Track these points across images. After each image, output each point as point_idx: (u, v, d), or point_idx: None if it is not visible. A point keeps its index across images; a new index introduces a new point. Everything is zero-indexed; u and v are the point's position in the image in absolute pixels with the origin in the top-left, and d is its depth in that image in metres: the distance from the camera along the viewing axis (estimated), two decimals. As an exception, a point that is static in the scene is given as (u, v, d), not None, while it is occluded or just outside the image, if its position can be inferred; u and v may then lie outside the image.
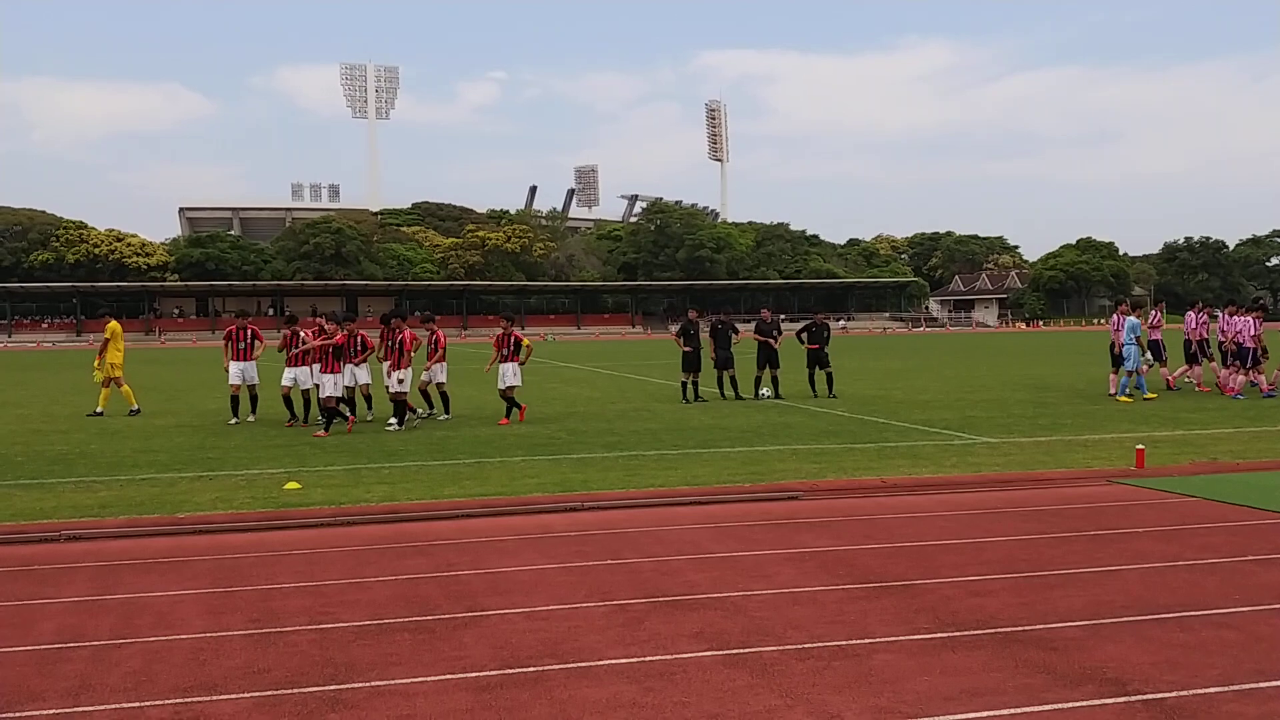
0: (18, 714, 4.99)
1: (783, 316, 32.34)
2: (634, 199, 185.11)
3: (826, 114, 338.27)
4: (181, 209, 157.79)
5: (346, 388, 17.32)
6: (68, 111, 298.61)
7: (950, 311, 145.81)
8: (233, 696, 5.19)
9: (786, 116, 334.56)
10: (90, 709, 5.05)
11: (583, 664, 5.61)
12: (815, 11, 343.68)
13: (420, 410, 18.33)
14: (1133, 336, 20.73)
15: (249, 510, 10.17)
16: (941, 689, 5.16)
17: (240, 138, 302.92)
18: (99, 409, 20.23)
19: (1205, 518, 9.39)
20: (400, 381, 17.14)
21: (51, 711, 5.03)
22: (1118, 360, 21.13)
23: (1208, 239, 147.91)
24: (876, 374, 31.85)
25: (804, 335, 22.89)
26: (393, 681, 5.37)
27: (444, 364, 19.18)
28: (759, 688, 5.21)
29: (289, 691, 5.24)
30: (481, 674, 5.47)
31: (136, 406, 20.52)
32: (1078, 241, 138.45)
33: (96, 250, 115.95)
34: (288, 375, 18.37)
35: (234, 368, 18.93)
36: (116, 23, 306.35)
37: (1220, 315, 22.48)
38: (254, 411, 18.93)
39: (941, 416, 18.30)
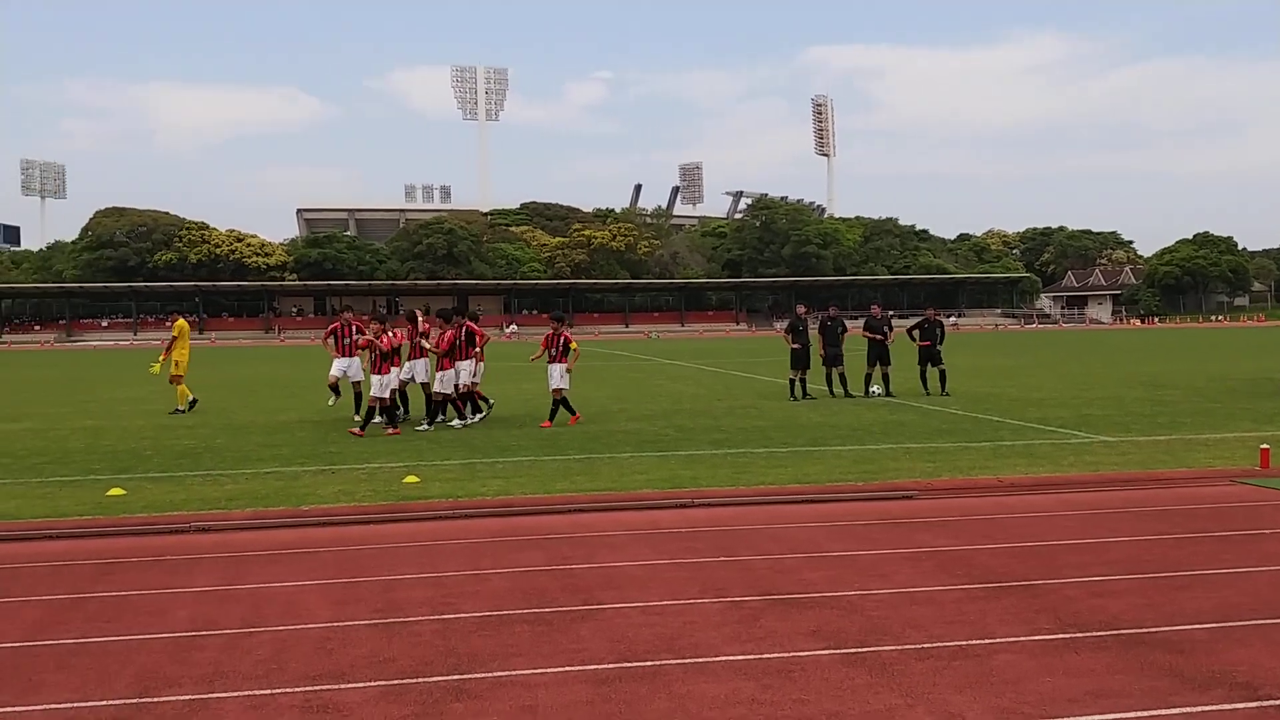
0: (156, 699, 5.20)
1: (891, 313, 31.85)
2: (739, 195, 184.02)
3: (935, 108, 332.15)
4: (299, 210, 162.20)
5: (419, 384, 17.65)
6: (189, 115, 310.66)
7: (1063, 308, 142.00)
8: (360, 685, 5.33)
9: (894, 111, 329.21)
10: (224, 695, 5.24)
11: (699, 659, 5.63)
12: (923, 5, 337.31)
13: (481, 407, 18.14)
14: None
15: (370, 503, 10.44)
16: (1065, 690, 5.07)
17: (355, 140, 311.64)
18: (180, 406, 20.67)
19: (1344, 521, 9.01)
20: (448, 380, 17.17)
21: (188, 697, 5.23)
22: None
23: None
24: (989, 371, 31.23)
25: (915, 332, 22.57)
26: (514, 673, 5.46)
27: (483, 363, 18.29)
28: (878, 687, 5.18)
29: (414, 681, 5.38)
30: (600, 667, 5.54)
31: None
32: (1194, 236, 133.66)
33: (218, 250, 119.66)
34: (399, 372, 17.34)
35: (337, 364, 18.39)
36: (236, 28, 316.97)
37: None
38: (358, 410, 17.96)
39: (1057, 415, 17.87)
